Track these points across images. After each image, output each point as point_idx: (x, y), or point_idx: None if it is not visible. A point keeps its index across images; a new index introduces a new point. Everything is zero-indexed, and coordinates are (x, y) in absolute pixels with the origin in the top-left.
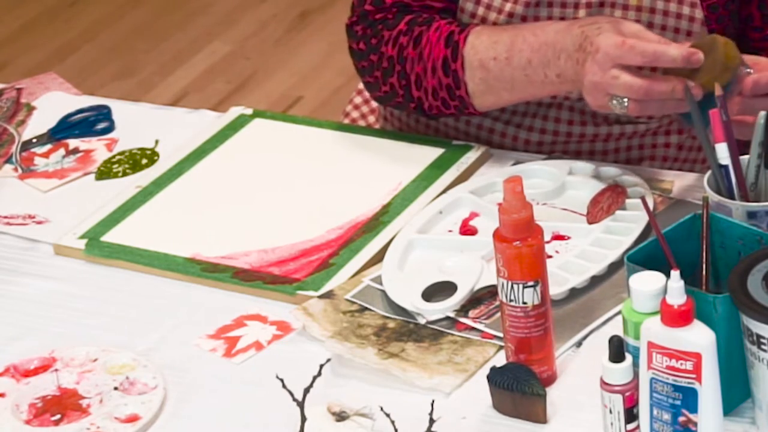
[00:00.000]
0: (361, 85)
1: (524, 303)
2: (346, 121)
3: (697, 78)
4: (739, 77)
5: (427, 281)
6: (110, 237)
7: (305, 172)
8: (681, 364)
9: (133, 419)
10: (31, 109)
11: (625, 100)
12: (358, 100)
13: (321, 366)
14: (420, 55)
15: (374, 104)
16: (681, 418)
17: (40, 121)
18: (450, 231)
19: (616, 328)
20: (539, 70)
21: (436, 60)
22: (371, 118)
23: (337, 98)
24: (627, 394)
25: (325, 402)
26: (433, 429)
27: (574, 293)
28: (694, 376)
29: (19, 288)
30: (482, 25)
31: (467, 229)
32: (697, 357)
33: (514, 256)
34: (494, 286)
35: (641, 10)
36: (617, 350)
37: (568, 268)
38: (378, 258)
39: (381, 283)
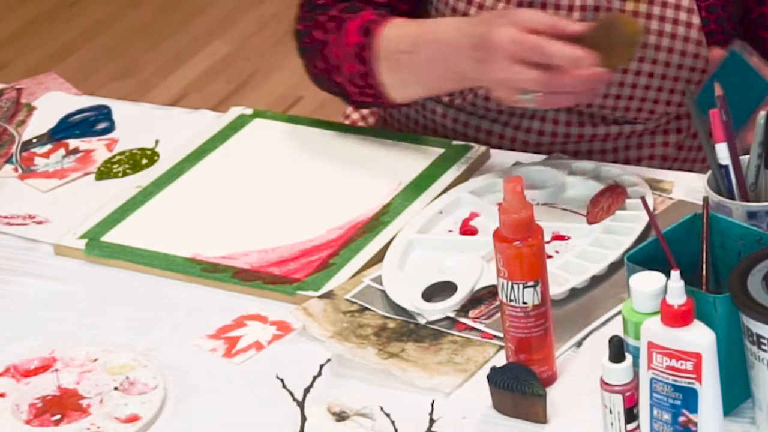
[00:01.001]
0: None
1: (524, 303)
2: (346, 122)
3: (606, 58)
4: None
5: (427, 281)
6: (110, 237)
7: (305, 172)
8: (681, 364)
9: (133, 419)
10: (31, 109)
11: (533, 93)
12: None
13: (321, 366)
14: (339, 41)
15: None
16: (681, 418)
17: (40, 121)
18: (450, 231)
19: (616, 328)
20: (440, 66)
21: (351, 47)
22: (371, 120)
23: (337, 98)
24: (627, 394)
25: (325, 402)
26: (433, 429)
27: (574, 293)
28: (694, 376)
29: (19, 288)
30: (402, 18)
31: (467, 229)
32: (697, 357)
33: (514, 256)
34: (494, 286)
35: (637, 15)
36: (617, 350)
37: (568, 268)
38: (378, 258)
39: (381, 283)
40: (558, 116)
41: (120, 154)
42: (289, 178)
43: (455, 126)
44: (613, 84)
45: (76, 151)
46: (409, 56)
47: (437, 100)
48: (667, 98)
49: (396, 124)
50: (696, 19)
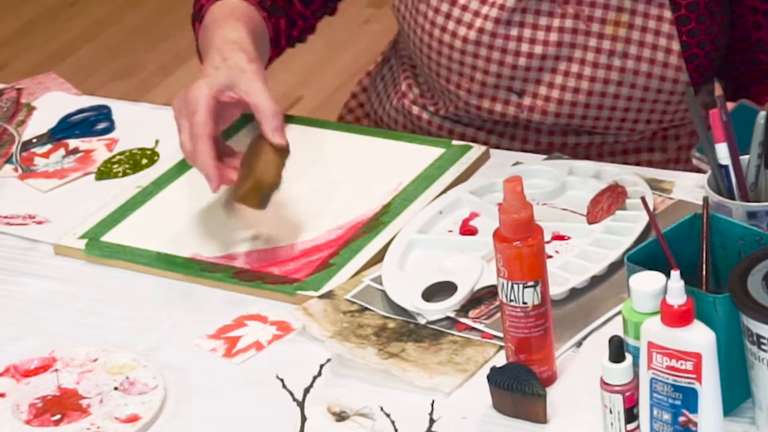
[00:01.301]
0: (355, 89)
1: (524, 303)
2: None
3: (239, 188)
4: None
5: (427, 281)
6: (110, 237)
7: (305, 172)
8: (681, 364)
9: (133, 419)
10: (31, 109)
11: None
12: (352, 103)
13: (321, 366)
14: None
15: (368, 108)
16: (681, 418)
17: (40, 121)
18: (450, 231)
19: (616, 328)
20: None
21: (197, 5)
22: (365, 122)
23: (337, 98)
24: (627, 394)
25: (325, 402)
26: (433, 429)
27: (574, 293)
28: (694, 376)
29: (19, 288)
30: (238, 2)
31: (467, 229)
32: (697, 357)
33: (514, 256)
34: (494, 286)
35: (616, 40)
36: (617, 350)
37: (568, 268)
38: (378, 258)
39: (381, 283)
40: (541, 126)
41: (120, 154)
42: (289, 177)
43: (440, 133)
44: (591, 105)
45: (76, 151)
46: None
47: (423, 107)
48: (647, 117)
49: (386, 129)
50: (676, 45)
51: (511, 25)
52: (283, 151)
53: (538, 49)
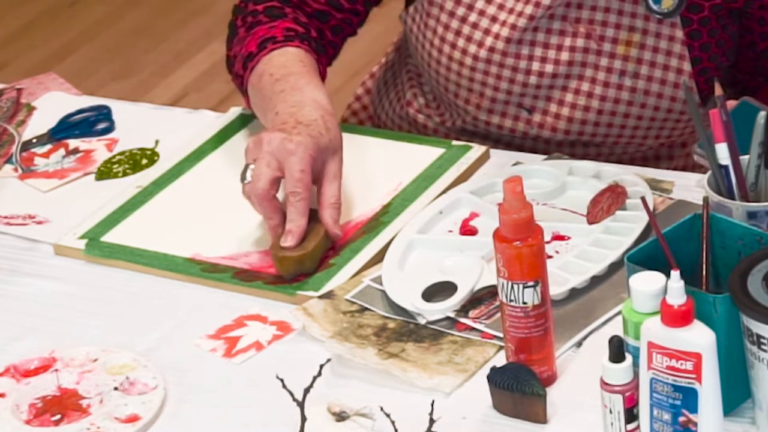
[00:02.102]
0: (359, 91)
1: (524, 303)
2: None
3: (283, 259)
4: None
5: (427, 281)
6: (110, 237)
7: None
8: (681, 364)
9: (133, 419)
10: (31, 109)
11: (249, 180)
12: (356, 105)
13: (321, 366)
14: (243, 40)
15: (371, 111)
16: (681, 418)
17: (40, 121)
18: (450, 231)
19: (616, 328)
20: (260, 112)
21: (245, 51)
22: (368, 125)
23: (337, 98)
24: (627, 394)
25: (325, 402)
26: (433, 429)
27: (574, 293)
28: (694, 376)
29: (19, 288)
30: (295, 48)
31: (467, 229)
32: (697, 357)
33: (514, 256)
34: (494, 286)
35: (628, 60)
36: (617, 350)
37: (568, 268)
38: (378, 258)
39: (381, 283)
40: (549, 139)
41: (120, 154)
42: None
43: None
44: (601, 123)
45: (76, 151)
46: (262, 84)
47: (429, 116)
48: (656, 134)
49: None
50: (687, 66)
51: (522, 44)
52: (331, 241)
53: (549, 68)
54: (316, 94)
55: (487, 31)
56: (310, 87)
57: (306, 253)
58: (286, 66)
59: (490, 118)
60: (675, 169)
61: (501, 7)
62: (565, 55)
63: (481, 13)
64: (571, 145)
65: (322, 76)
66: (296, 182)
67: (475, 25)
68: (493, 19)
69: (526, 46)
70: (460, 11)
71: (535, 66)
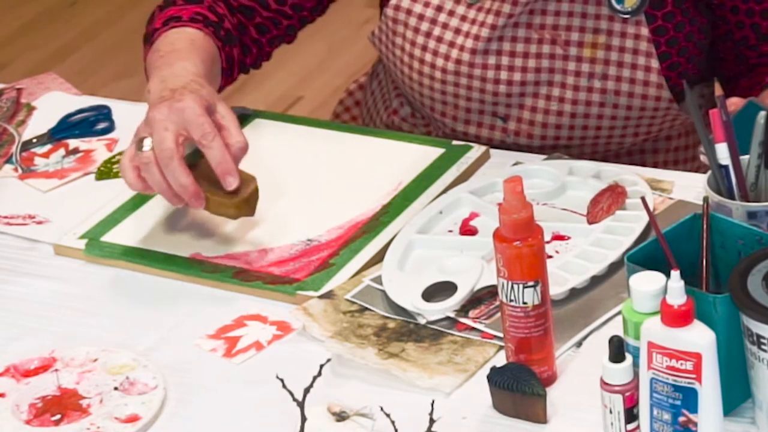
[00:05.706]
0: (352, 86)
1: (524, 303)
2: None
3: (211, 199)
4: None
5: (427, 281)
6: (110, 237)
7: (305, 172)
8: (681, 364)
9: (133, 419)
10: (31, 109)
11: (148, 148)
12: (349, 101)
13: (321, 366)
14: (153, 17)
15: (359, 122)
16: (681, 418)
17: (40, 121)
18: (450, 231)
19: (616, 328)
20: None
21: (152, 26)
22: (360, 122)
23: (337, 98)
24: (627, 394)
25: (325, 402)
26: (433, 429)
27: (574, 293)
28: (694, 376)
29: (19, 288)
30: (194, 30)
31: (467, 229)
32: (697, 357)
33: (514, 256)
34: (494, 286)
35: (595, 62)
36: (617, 350)
37: (568, 268)
38: (378, 258)
39: (381, 283)
40: (530, 146)
41: (120, 154)
42: (289, 178)
43: (444, 132)
44: (576, 126)
45: (76, 151)
46: (149, 61)
47: (414, 125)
48: (633, 131)
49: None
50: (655, 63)
51: (488, 54)
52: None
53: (517, 76)
54: (185, 64)
55: (452, 44)
56: (182, 61)
57: (255, 189)
58: (173, 44)
59: (467, 129)
60: (666, 163)
61: (463, 18)
62: (532, 62)
63: (444, 26)
64: (552, 149)
65: (224, 66)
66: (201, 125)
67: (439, 39)
68: (457, 32)
69: (493, 56)
70: (424, 26)
71: (504, 75)
